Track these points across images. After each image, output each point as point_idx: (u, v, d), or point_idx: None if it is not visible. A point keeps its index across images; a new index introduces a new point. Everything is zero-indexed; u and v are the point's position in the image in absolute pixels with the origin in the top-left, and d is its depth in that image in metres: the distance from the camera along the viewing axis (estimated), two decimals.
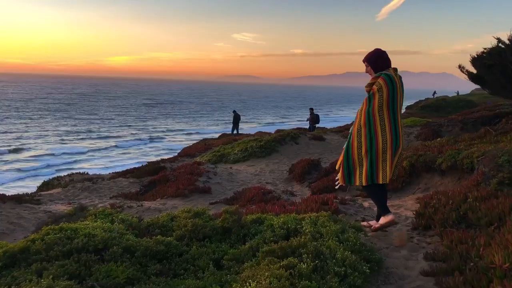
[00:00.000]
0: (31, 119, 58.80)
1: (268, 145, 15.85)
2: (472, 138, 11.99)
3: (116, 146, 41.98)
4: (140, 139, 47.30)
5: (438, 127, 16.06)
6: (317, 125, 22.46)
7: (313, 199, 5.90)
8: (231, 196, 9.93)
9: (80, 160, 34.98)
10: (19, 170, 30.07)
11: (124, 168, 17.22)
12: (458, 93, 60.91)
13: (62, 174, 27.16)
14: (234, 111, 30.51)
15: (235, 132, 30.19)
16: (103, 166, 31.99)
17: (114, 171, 17.85)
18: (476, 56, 10.41)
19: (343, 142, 17.88)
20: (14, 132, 46.08)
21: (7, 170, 29.73)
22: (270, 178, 12.78)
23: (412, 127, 18.85)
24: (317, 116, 21.80)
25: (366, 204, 7.55)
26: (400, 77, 4.37)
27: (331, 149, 16.45)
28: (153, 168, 14.55)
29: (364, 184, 4.48)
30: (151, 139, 47.84)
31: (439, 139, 14.48)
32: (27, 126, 51.18)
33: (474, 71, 11.25)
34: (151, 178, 12.45)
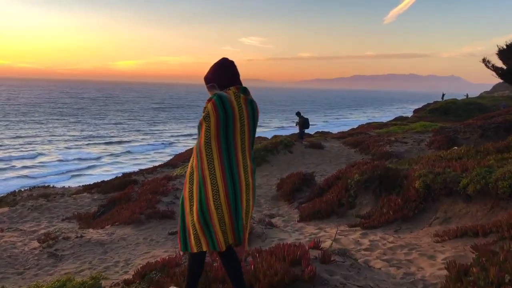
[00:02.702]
0: (41, 123, 57.28)
1: (257, 155, 13.77)
2: (499, 148, 9.87)
3: (128, 152, 40.43)
4: (151, 144, 45.61)
5: (453, 133, 13.94)
6: (306, 130, 20.32)
7: (280, 253, 3.85)
8: None
9: (92, 166, 33.38)
10: (26, 176, 28.41)
11: None
12: (467, 96, 58.48)
13: (73, 180, 25.65)
14: None
15: None
16: (111, 172, 30.45)
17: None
18: (505, 47, 8.32)
19: (344, 150, 15.79)
20: (24, 137, 44.48)
21: (16, 177, 28.09)
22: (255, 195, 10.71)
23: (422, 133, 16.73)
24: (307, 120, 19.75)
25: (364, 249, 5.48)
26: (249, 101, 2.89)
27: (330, 159, 14.37)
28: (122, 182, 12.59)
29: (204, 249, 2.89)
30: (163, 144, 46.26)
31: (455, 148, 12.35)
32: (38, 131, 49.67)
33: (502, 66, 9.13)
34: (112, 196, 10.47)
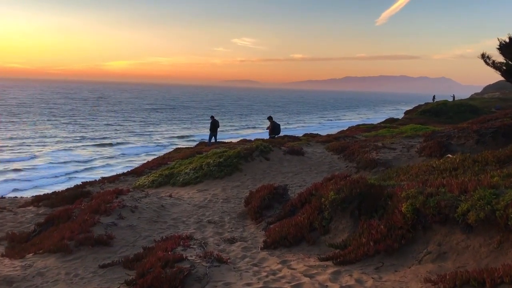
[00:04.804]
0: (33, 125, 55.78)
1: (228, 162, 12.36)
2: (499, 158, 8.55)
3: (122, 154, 39.51)
4: (144, 146, 44.59)
5: (446, 138, 12.61)
6: (276, 136, 19.04)
7: None
8: (136, 252, 6.45)
9: (85, 169, 32.32)
10: (18, 180, 27.48)
11: None
12: (454, 97, 57.40)
13: (66, 184, 24.50)
14: (212, 117, 27.00)
15: (213, 140, 26.69)
16: (103, 175, 29.43)
17: None
18: (508, 40, 6.95)
19: (326, 157, 14.39)
20: (15, 138, 43.07)
21: (6, 180, 27.01)
22: (220, 211, 9.30)
23: (412, 137, 15.39)
24: (278, 125, 18.50)
25: None
26: None
27: (310, 167, 12.98)
28: (73, 194, 11.12)
29: None
30: (159, 146, 45.20)
31: (449, 156, 11.02)
32: (29, 132, 48.28)
33: (504, 61, 7.78)
34: (51, 213, 8.98)
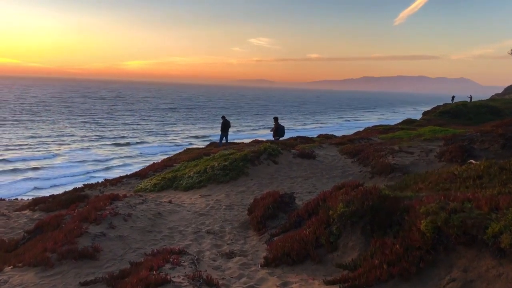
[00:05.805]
0: (53, 123, 56.76)
1: (234, 166, 11.70)
2: None
3: (140, 154, 40.06)
4: (162, 146, 45.17)
5: (468, 142, 11.73)
6: (280, 138, 18.35)
7: None
8: (123, 268, 5.82)
9: (104, 168, 32.72)
10: (38, 179, 27.88)
11: None
12: (471, 97, 55.56)
13: (84, 183, 24.89)
14: (223, 117, 26.38)
15: (224, 141, 26.07)
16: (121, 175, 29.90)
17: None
18: None
19: (339, 160, 13.62)
20: (36, 137, 43.78)
21: (26, 179, 27.42)
22: (221, 220, 8.64)
23: (431, 140, 14.49)
24: (281, 127, 17.84)
25: None
26: None
27: (321, 171, 12.23)
28: (70, 198, 10.59)
29: None
30: (176, 146, 45.50)
31: (472, 161, 10.16)
32: (49, 131, 49.09)
33: None
34: (41, 220, 8.44)
